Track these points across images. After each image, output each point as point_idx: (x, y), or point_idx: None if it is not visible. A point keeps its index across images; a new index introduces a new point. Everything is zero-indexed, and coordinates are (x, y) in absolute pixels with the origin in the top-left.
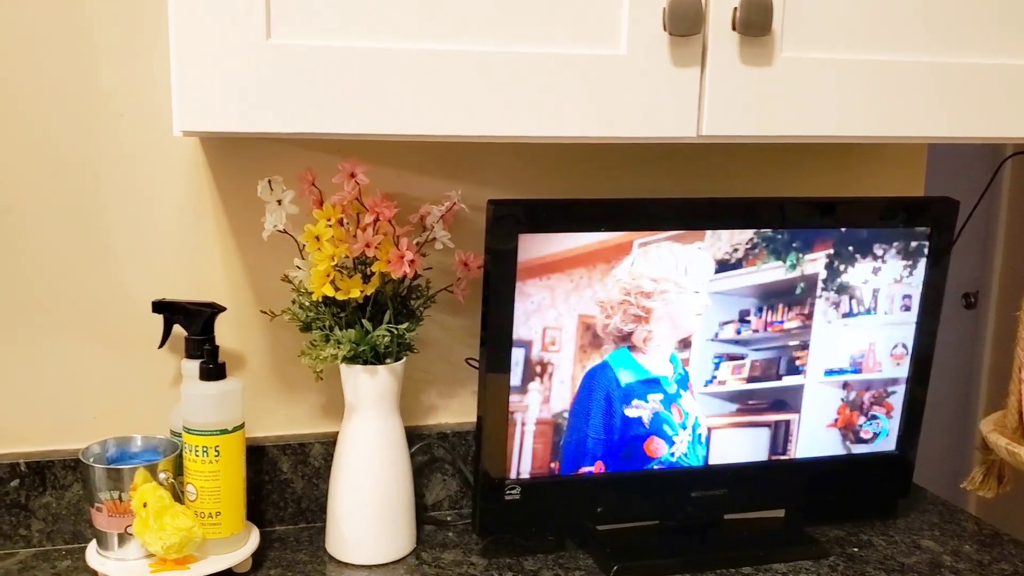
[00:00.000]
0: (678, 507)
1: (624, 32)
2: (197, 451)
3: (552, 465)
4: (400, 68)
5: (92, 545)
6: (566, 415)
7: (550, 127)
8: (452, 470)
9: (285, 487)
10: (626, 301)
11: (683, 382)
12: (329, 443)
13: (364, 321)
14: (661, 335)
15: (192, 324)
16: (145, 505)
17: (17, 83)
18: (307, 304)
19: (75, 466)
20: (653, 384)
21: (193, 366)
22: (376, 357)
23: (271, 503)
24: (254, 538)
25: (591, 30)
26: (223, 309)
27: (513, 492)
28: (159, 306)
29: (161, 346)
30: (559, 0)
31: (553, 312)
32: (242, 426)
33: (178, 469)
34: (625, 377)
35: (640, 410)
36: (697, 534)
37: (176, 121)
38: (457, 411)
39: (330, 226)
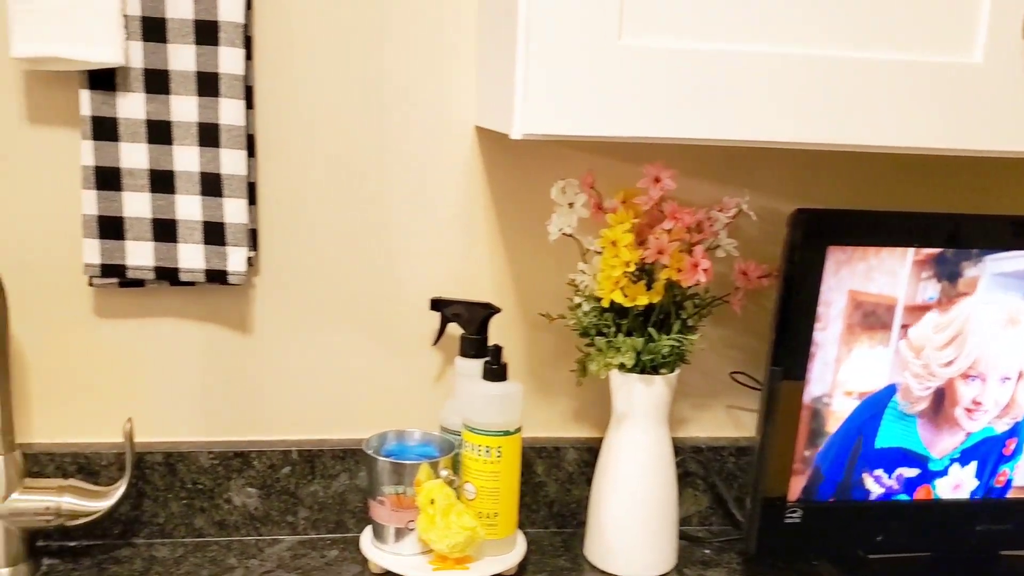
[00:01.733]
0: (959, 540)
1: (981, 40)
2: (480, 451)
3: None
4: (747, 71)
5: (367, 536)
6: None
7: (896, 136)
8: (704, 485)
9: (539, 490)
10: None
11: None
12: (583, 449)
13: (651, 330)
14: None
15: (469, 323)
16: (432, 502)
17: (313, 81)
18: (589, 309)
19: (343, 456)
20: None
21: (469, 365)
22: (652, 367)
23: (523, 506)
24: (522, 541)
25: (944, 37)
26: (499, 310)
27: (794, 515)
28: (437, 304)
29: (435, 343)
30: (913, 6)
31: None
32: (520, 428)
33: (454, 467)
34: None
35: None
36: (972, 569)
37: (517, 124)
38: (710, 425)
39: (628, 231)
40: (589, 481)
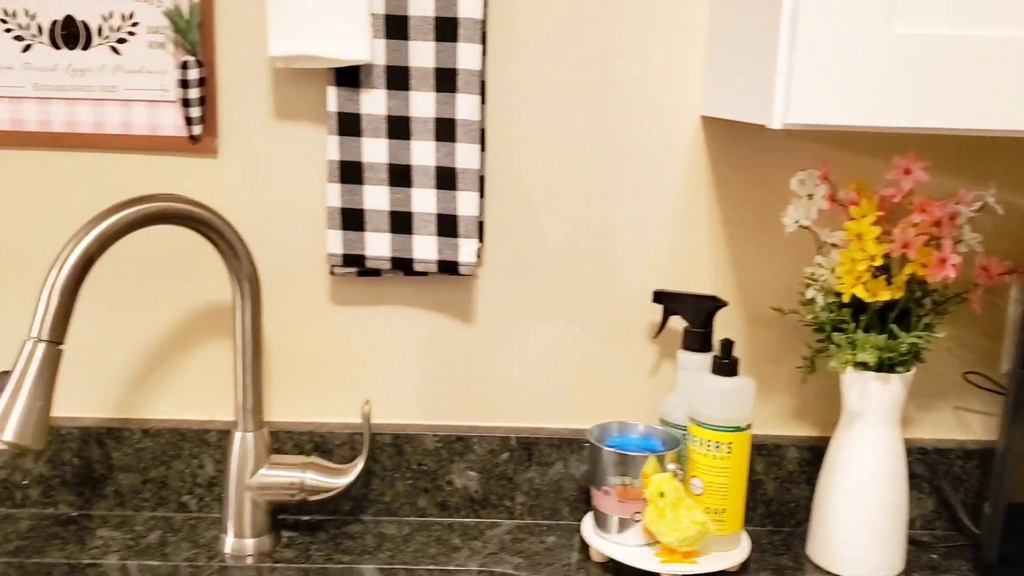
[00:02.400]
0: None
1: None
2: (708, 446)
3: None
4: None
5: (588, 524)
6: None
7: None
8: (929, 488)
9: (756, 488)
10: None
11: None
12: (804, 447)
13: (893, 327)
14: None
15: (694, 317)
16: (662, 495)
17: (540, 73)
18: (825, 304)
19: (559, 445)
20: None
21: (693, 358)
22: (889, 365)
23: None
24: (745, 539)
25: None
26: (725, 304)
27: None
28: (660, 296)
29: (656, 336)
30: None
31: None
32: (751, 425)
33: (679, 461)
34: None
35: None
36: None
37: (778, 114)
38: (936, 427)
39: (874, 224)
40: (809, 481)
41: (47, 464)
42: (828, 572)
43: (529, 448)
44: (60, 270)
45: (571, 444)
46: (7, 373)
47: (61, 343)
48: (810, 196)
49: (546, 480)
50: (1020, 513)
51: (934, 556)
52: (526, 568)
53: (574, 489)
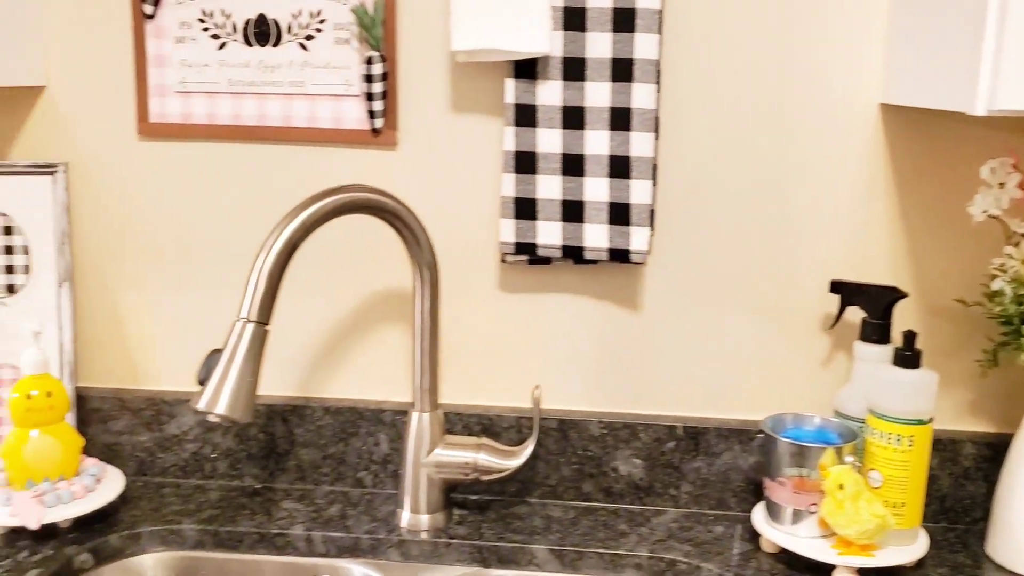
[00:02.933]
0: None
1: None
2: (889, 439)
3: None
4: None
5: (759, 514)
6: None
7: None
8: None
9: (931, 484)
10: None
11: None
12: (981, 444)
13: None
14: None
15: (872, 308)
16: (841, 487)
17: (716, 61)
18: (1014, 296)
19: (727, 436)
20: None
21: (871, 350)
22: None
23: None
24: (923, 535)
25: None
26: (905, 295)
27: None
28: (838, 287)
29: (833, 326)
30: None
31: None
32: (933, 418)
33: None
34: None
35: None
36: None
37: (982, 100)
38: None
39: None
40: (986, 478)
41: (235, 439)
42: (1012, 572)
43: (696, 438)
44: (267, 255)
45: (739, 435)
46: (218, 352)
47: (267, 324)
48: (1001, 185)
49: (713, 470)
50: None
51: None
52: (696, 556)
53: (741, 480)
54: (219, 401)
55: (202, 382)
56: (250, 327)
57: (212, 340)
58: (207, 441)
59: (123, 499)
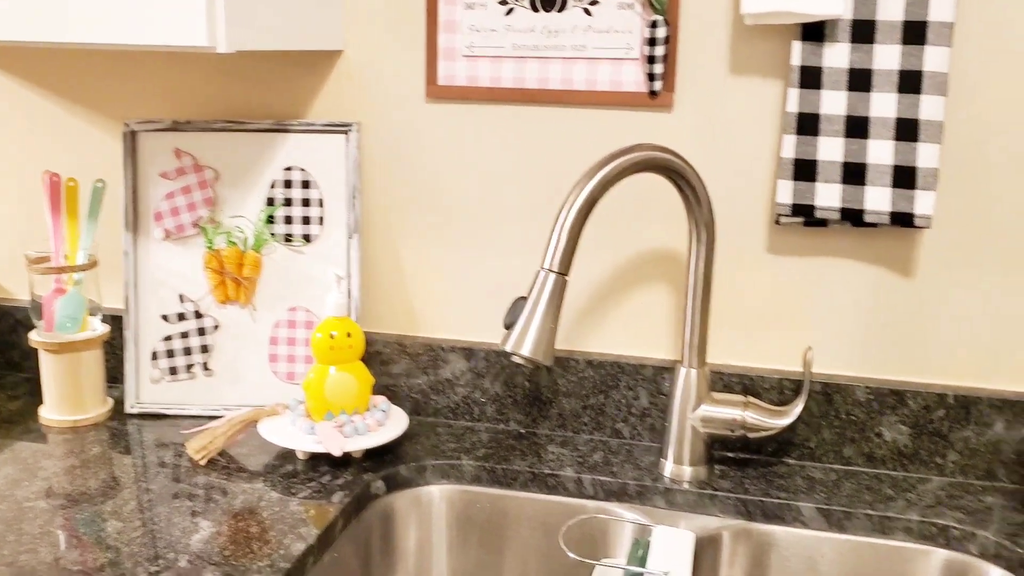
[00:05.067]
0: None
1: None
2: None
3: None
4: None
5: None
6: None
7: None
8: None
9: None
10: None
11: None
12: None
13: None
14: None
15: None
16: None
17: (1010, 22)
18: None
19: (1000, 406)
20: None
21: None
22: None
23: None
24: None
25: None
26: None
27: None
28: None
29: None
30: None
31: None
32: None
33: None
34: None
35: None
36: None
37: None
38: None
39: None
40: None
41: (503, 385)
42: None
43: (967, 407)
44: (569, 210)
45: (1015, 406)
46: (523, 299)
47: (567, 274)
48: None
49: (984, 440)
50: None
51: None
52: (969, 523)
53: (1013, 452)
54: (524, 343)
55: (508, 326)
56: (552, 277)
57: (484, 294)
58: (477, 386)
59: (404, 436)
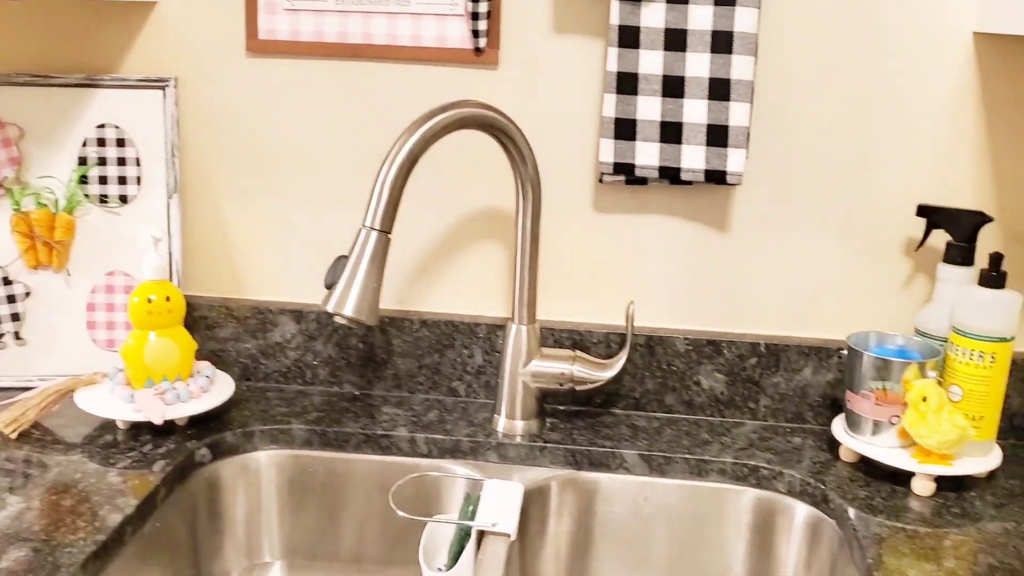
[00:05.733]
0: None
1: None
2: (971, 355)
3: None
4: None
5: (839, 425)
6: None
7: None
8: None
9: (1003, 401)
10: None
11: None
12: None
13: None
14: None
15: (958, 231)
16: (925, 400)
17: None
18: None
19: (808, 353)
20: None
21: (955, 272)
22: None
23: None
24: (997, 448)
25: None
26: (990, 219)
27: None
28: (924, 210)
29: (918, 249)
30: None
31: None
32: (1015, 337)
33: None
34: None
35: None
36: None
37: None
38: None
39: None
40: None
41: (335, 347)
42: None
43: (777, 355)
44: (390, 167)
45: (819, 352)
46: (344, 258)
47: (390, 232)
48: None
49: (792, 386)
50: None
51: None
52: (778, 463)
53: (819, 396)
54: (346, 303)
55: (329, 286)
56: (374, 235)
57: (313, 254)
58: (308, 349)
59: (232, 402)
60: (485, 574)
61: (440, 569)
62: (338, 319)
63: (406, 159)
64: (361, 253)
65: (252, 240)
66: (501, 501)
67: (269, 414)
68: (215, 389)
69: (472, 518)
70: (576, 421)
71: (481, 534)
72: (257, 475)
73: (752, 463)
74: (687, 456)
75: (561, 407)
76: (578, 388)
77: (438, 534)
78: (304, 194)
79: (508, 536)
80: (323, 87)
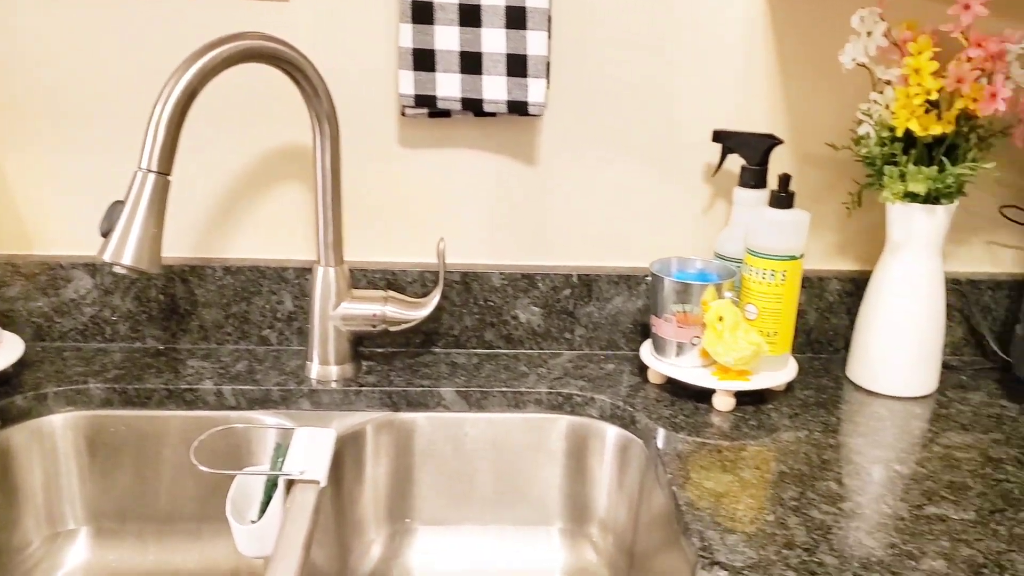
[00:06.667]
0: None
1: None
2: (764, 274)
3: None
4: None
5: (646, 350)
6: None
7: None
8: (960, 317)
9: (799, 318)
10: None
11: None
12: (845, 280)
13: (944, 159)
14: None
15: (751, 154)
16: (721, 319)
17: None
18: (878, 139)
19: (617, 282)
20: None
21: (749, 194)
22: (933, 197)
23: None
24: (792, 361)
25: None
26: (781, 142)
27: None
28: (719, 135)
29: (715, 174)
30: None
31: None
32: (804, 254)
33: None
34: None
35: None
36: None
37: None
38: (968, 259)
39: (931, 59)
40: (848, 311)
41: (134, 301)
42: (866, 390)
43: (589, 285)
44: (165, 104)
45: (628, 280)
46: (120, 203)
47: (169, 174)
48: (869, 33)
49: (604, 314)
50: None
51: (963, 377)
52: (590, 389)
53: (630, 322)
54: (124, 252)
55: (105, 234)
56: (151, 177)
57: (104, 202)
58: (106, 304)
59: (23, 364)
60: (293, 523)
61: (253, 522)
62: (117, 269)
63: (182, 95)
64: (138, 197)
65: (37, 191)
66: (311, 449)
67: (64, 375)
68: (0, 351)
69: (281, 468)
70: (394, 363)
71: (291, 483)
72: (52, 439)
73: (566, 391)
74: (504, 389)
75: (380, 349)
76: (392, 329)
77: (247, 487)
78: (89, 139)
79: (317, 483)
80: (100, 21)
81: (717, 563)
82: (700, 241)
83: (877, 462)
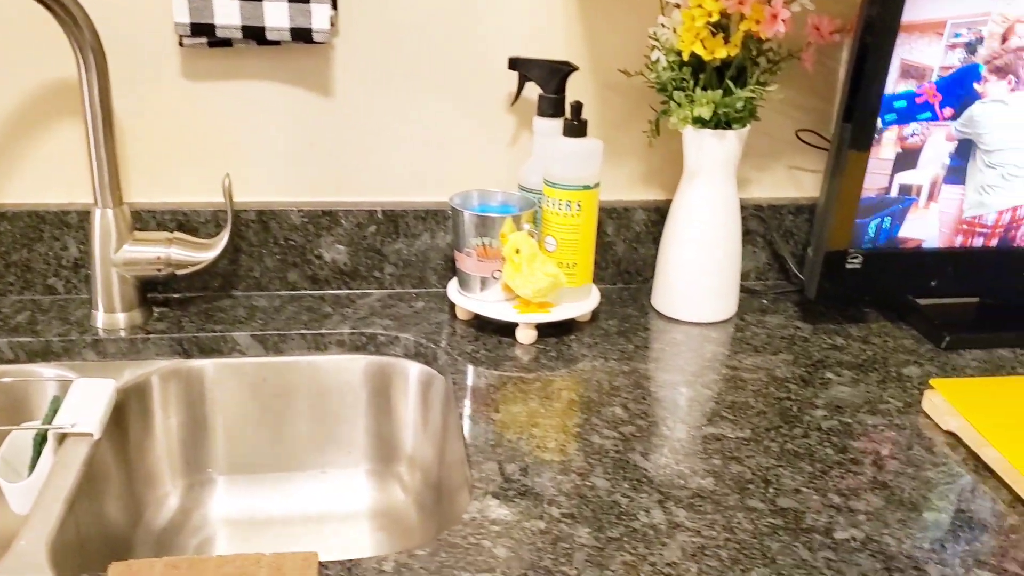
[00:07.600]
0: (1009, 286)
1: None
2: (560, 205)
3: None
4: None
5: (453, 286)
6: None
7: None
8: (763, 243)
9: (608, 249)
10: None
11: None
12: (651, 210)
13: (728, 83)
14: None
15: (547, 82)
16: (518, 251)
17: None
18: (667, 64)
19: (424, 217)
20: None
21: (547, 124)
22: (726, 122)
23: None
24: (595, 291)
25: None
26: (576, 68)
27: (855, 261)
28: (515, 63)
29: (514, 103)
30: None
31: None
32: (599, 184)
33: (534, 222)
34: None
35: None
36: (1018, 311)
37: None
38: (770, 185)
39: None
40: (655, 240)
41: None
42: (669, 318)
43: (396, 221)
44: None
45: (436, 215)
46: None
47: None
48: None
49: (413, 251)
50: (836, 259)
51: (764, 301)
52: (396, 328)
53: (440, 258)
54: None
55: None
56: None
57: None
58: None
59: None
60: (59, 477)
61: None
62: None
63: None
64: None
65: None
66: (86, 400)
67: None
68: None
69: (53, 422)
70: (189, 308)
71: (64, 437)
72: None
73: (370, 331)
74: (304, 332)
75: (176, 295)
76: (180, 272)
77: (20, 443)
78: None
79: (91, 435)
80: None
81: (490, 493)
82: (508, 174)
83: (665, 386)
